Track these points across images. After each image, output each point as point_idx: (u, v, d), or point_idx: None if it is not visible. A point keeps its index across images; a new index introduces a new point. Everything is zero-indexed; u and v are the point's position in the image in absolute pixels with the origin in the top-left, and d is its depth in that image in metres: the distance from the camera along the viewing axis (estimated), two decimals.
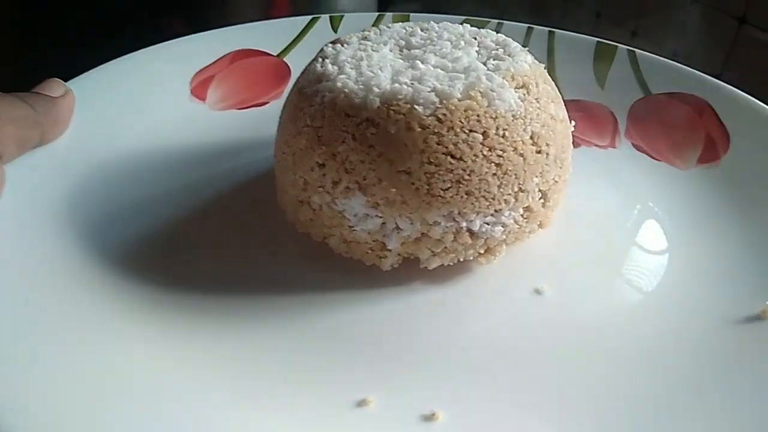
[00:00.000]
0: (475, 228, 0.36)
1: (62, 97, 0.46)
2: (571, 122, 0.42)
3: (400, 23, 0.43)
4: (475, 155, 0.34)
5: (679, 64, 0.57)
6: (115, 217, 0.41)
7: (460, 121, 0.34)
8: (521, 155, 0.35)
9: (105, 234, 0.40)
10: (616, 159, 0.50)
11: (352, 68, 0.37)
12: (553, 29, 0.64)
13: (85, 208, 0.41)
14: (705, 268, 0.40)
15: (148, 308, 0.36)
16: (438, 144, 0.34)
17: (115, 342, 0.33)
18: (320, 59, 0.39)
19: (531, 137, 0.36)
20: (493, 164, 0.34)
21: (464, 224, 0.35)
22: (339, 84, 0.36)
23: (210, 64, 0.59)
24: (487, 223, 0.36)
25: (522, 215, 0.37)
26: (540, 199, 0.37)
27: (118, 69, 0.54)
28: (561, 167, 0.38)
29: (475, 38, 0.41)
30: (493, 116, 0.34)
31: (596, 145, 0.52)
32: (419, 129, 0.34)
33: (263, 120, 0.48)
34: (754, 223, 0.43)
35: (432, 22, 0.43)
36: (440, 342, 0.35)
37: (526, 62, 0.38)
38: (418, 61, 0.37)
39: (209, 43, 0.60)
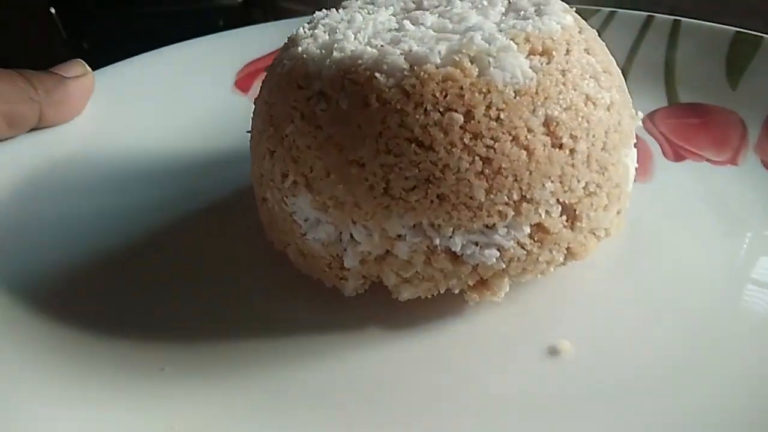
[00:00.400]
0: (456, 248, 0.25)
1: (75, 78, 0.43)
2: (637, 113, 0.30)
3: None
4: (451, 143, 0.24)
5: None
6: (122, 213, 0.38)
7: (434, 95, 0.24)
8: (525, 148, 0.24)
9: (100, 233, 0.37)
10: (731, 178, 0.37)
11: (325, 31, 0.29)
12: (680, 18, 0.50)
13: (89, 206, 0.39)
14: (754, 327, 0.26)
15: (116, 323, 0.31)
16: (400, 126, 0.24)
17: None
18: (305, 24, 0.31)
19: (545, 124, 0.25)
20: (477, 158, 0.24)
21: (439, 241, 0.25)
22: (300, 49, 0.28)
23: (261, 57, 0.54)
24: (475, 243, 0.25)
25: (531, 236, 0.26)
26: (561, 215, 0.26)
27: (162, 57, 0.52)
28: (603, 173, 0.26)
29: None
30: (484, 90, 0.24)
31: (709, 160, 0.38)
32: (377, 104, 0.25)
33: None
34: None
35: None
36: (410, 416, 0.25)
37: (559, 22, 0.27)
38: (407, 21, 0.28)
39: (263, 35, 0.56)
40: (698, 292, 0.29)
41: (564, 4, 0.31)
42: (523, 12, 0.29)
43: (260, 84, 0.49)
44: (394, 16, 0.30)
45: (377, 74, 0.25)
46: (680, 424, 0.24)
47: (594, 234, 0.28)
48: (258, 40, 0.55)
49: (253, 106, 0.33)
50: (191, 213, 0.38)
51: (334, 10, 0.32)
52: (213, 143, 0.45)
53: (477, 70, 0.25)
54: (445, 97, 0.24)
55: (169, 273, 0.33)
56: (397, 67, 0.25)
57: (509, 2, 0.30)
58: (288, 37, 0.32)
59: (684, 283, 0.29)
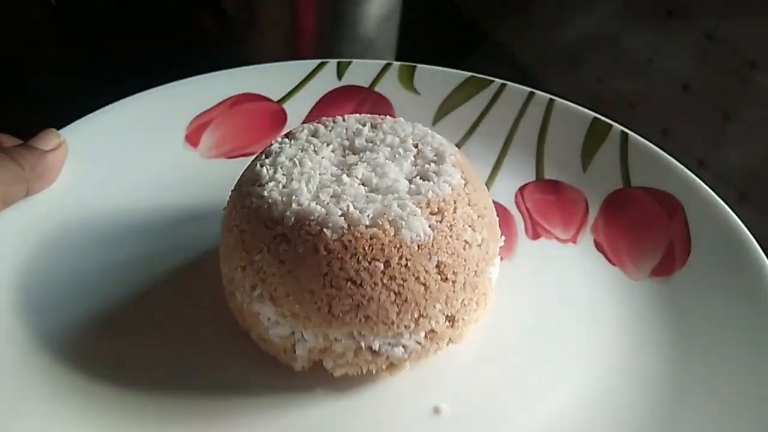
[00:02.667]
0: (376, 347, 0.38)
1: (53, 150, 0.50)
2: (501, 237, 0.43)
3: (356, 116, 0.45)
4: (374, 283, 0.36)
5: (667, 156, 0.55)
6: (71, 287, 0.44)
7: (364, 249, 0.36)
8: (423, 284, 0.37)
9: (50, 309, 0.43)
10: (571, 257, 0.50)
11: (283, 174, 0.39)
12: (554, 97, 0.63)
13: (39, 276, 0.44)
14: (614, 398, 0.40)
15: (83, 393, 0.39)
16: (340, 269, 0.36)
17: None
18: (263, 157, 0.41)
19: (437, 266, 0.37)
20: (392, 292, 0.36)
21: (364, 343, 0.37)
22: (265, 192, 0.38)
23: (209, 108, 0.61)
24: (388, 344, 0.38)
25: (425, 337, 0.38)
26: (446, 322, 0.38)
27: (114, 114, 0.56)
28: (474, 289, 0.39)
29: (417, 145, 0.42)
30: (398, 246, 0.36)
31: (557, 239, 0.52)
32: (324, 252, 0.36)
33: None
34: (681, 356, 0.42)
35: (387, 118, 0.45)
36: None
37: (450, 183, 0.39)
38: (345, 176, 0.39)
39: (212, 85, 0.63)
40: (542, 359, 0.42)
41: (456, 154, 0.42)
42: (426, 165, 0.40)
43: (207, 139, 0.58)
44: (333, 153, 0.41)
45: (325, 230, 0.36)
46: None
47: (467, 325, 0.41)
48: (202, 94, 0.61)
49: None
50: (157, 275, 0.45)
51: (287, 141, 0.43)
52: (172, 200, 0.53)
53: (393, 230, 0.36)
54: (372, 250, 0.36)
55: (135, 335, 0.42)
56: (338, 226, 0.36)
57: (417, 150, 0.41)
58: (251, 167, 0.42)
59: (532, 355, 0.42)
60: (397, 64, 0.67)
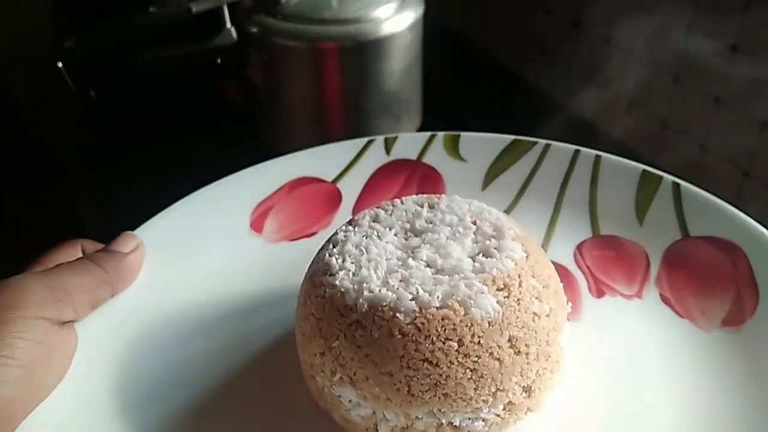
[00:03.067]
0: (456, 423, 0.39)
1: (132, 252, 0.53)
2: (568, 304, 0.44)
3: (413, 198, 0.47)
4: (450, 362, 0.37)
5: (724, 203, 0.55)
6: (160, 384, 0.47)
7: (437, 330, 0.37)
8: (498, 359, 0.38)
9: (144, 405, 0.45)
10: (638, 313, 0.50)
11: (352, 262, 0.41)
12: (601, 153, 0.64)
13: (131, 376, 0.47)
14: None
15: None
16: (416, 351, 0.37)
17: None
18: (331, 246, 0.44)
19: (509, 340, 0.38)
20: (468, 369, 0.37)
21: (444, 420, 0.38)
22: (337, 282, 0.40)
23: (270, 195, 0.65)
24: (468, 419, 0.39)
25: (503, 409, 0.39)
26: (522, 393, 0.39)
27: (183, 210, 0.60)
28: (547, 359, 0.40)
29: (475, 222, 0.43)
30: (469, 324, 0.37)
31: (621, 294, 0.52)
32: (399, 336, 0.37)
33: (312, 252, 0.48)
34: (762, 407, 0.42)
35: (443, 197, 0.47)
36: None
37: (512, 258, 0.40)
38: (410, 259, 0.41)
39: (271, 172, 0.66)
40: (625, 416, 0.42)
41: (514, 228, 0.44)
42: (487, 242, 0.42)
43: (270, 224, 0.61)
44: (396, 236, 0.43)
45: (398, 314, 0.38)
46: None
47: (543, 393, 0.41)
48: (262, 181, 0.65)
49: (297, 305, 0.45)
50: (238, 364, 0.47)
51: (351, 229, 0.45)
52: (244, 287, 0.56)
53: (463, 310, 0.38)
54: (444, 330, 0.37)
55: (224, 424, 0.43)
56: (410, 309, 0.38)
57: (476, 227, 0.43)
58: (320, 257, 0.44)
59: (607, 416, 0.43)
60: (441, 134, 0.70)
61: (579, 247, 0.57)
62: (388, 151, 0.69)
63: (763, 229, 0.52)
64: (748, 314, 0.48)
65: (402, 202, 0.46)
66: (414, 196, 0.47)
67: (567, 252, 0.57)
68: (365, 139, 0.70)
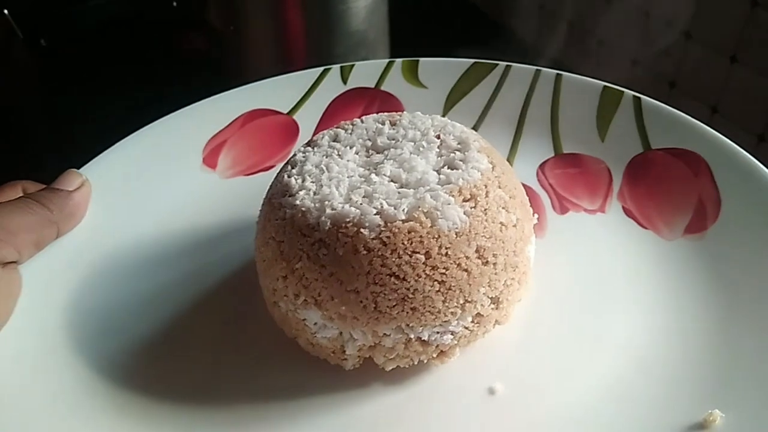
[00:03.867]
0: (425, 337, 0.38)
1: (77, 190, 0.50)
2: (534, 215, 0.43)
3: (374, 116, 0.45)
4: (418, 275, 0.36)
5: (684, 115, 0.55)
6: (118, 317, 0.45)
7: (404, 243, 0.36)
8: (466, 270, 0.37)
9: (102, 338, 0.44)
10: (602, 227, 0.50)
11: (312, 181, 0.39)
12: (562, 72, 0.63)
13: (87, 311, 0.45)
14: (665, 360, 0.40)
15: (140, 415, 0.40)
16: (382, 266, 0.36)
17: None
18: (289, 167, 0.42)
19: (477, 251, 0.37)
20: (436, 282, 0.36)
21: (413, 335, 0.38)
22: (297, 201, 0.39)
23: (222, 129, 0.62)
24: (437, 332, 0.38)
25: (472, 321, 0.38)
26: (491, 304, 0.39)
27: (130, 146, 0.57)
28: (515, 269, 0.39)
29: (439, 136, 0.42)
30: (436, 236, 0.36)
31: (585, 210, 0.52)
32: (365, 252, 0.36)
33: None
34: (727, 311, 0.42)
35: (405, 114, 0.45)
36: None
37: (478, 169, 0.39)
38: (373, 175, 0.39)
39: (222, 106, 0.63)
40: (586, 332, 0.42)
41: (479, 140, 0.42)
42: (452, 155, 0.40)
43: (224, 159, 0.59)
44: (357, 155, 0.41)
45: (362, 230, 0.36)
46: None
47: (512, 305, 0.41)
48: (213, 116, 0.62)
49: (255, 224, 0.44)
50: (196, 297, 0.46)
51: (310, 150, 0.43)
52: (198, 222, 0.54)
53: (430, 221, 0.37)
54: (411, 243, 0.36)
55: (184, 356, 0.42)
56: (375, 224, 0.36)
57: (440, 141, 0.42)
58: (279, 179, 0.42)
59: (577, 327, 0.42)
60: (399, 60, 0.68)
61: (542, 167, 0.57)
62: (344, 80, 0.67)
63: (723, 137, 0.52)
64: (711, 221, 0.48)
65: (362, 121, 0.45)
66: (374, 115, 0.45)
67: (530, 172, 0.56)
68: (320, 69, 0.68)
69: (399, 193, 0.38)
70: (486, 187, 0.39)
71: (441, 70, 0.66)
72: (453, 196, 0.37)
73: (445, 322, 0.37)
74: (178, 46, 0.99)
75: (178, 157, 0.59)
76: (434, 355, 0.39)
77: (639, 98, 0.58)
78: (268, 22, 0.88)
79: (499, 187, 0.39)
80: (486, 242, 0.37)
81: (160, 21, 0.94)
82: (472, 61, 0.66)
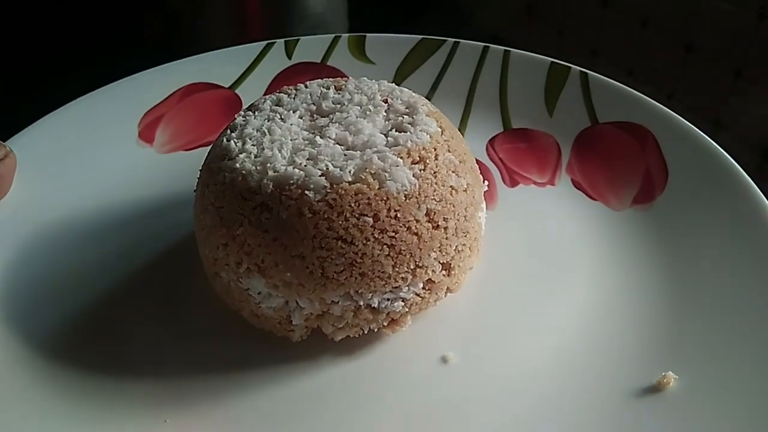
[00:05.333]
0: (375, 304, 0.36)
1: (1, 161, 0.47)
2: (484, 182, 0.42)
3: (318, 81, 0.43)
4: (366, 239, 0.35)
5: (630, 89, 0.55)
6: (49, 292, 0.42)
7: (350, 206, 0.34)
8: (416, 234, 0.35)
9: (36, 312, 0.41)
10: (551, 200, 0.50)
11: (253, 144, 0.37)
12: (510, 49, 0.62)
13: (18, 282, 0.43)
14: (617, 327, 0.40)
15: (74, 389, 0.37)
16: (329, 229, 0.34)
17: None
18: (228, 131, 0.40)
19: (427, 214, 0.36)
20: (385, 246, 0.35)
21: (362, 302, 0.36)
22: (237, 165, 0.36)
23: (159, 103, 0.59)
24: (387, 299, 0.36)
25: (423, 288, 0.37)
26: (442, 270, 0.37)
27: (61, 119, 0.54)
28: (465, 235, 0.38)
29: (386, 100, 0.40)
30: (384, 198, 0.35)
31: (535, 183, 0.51)
32: (309, 215, 0.34)
33: None
34: (675, 277, 0.42)
35: (351, 80, 0.43)
36: (345, 417, 0.36)
37: (427, 132, 0.38)
38: (318, 137, 0.37)
39: (159, 79, 0.61)
40: (537, 299, 0.42)
41: (427, 104, 0.41)
42: (400, 118, 0.39)
43: (161, 134, 0.56)
44: (302, 119, 0.40)
45: (306, 192, 0.35)
46: (556, 418, 0.36)
47: (463, 272, 0.40)
48: (149, 89, 0.59)
49: (194, 190, 0.41)
50: (131, 272, 0.44)
51: (251, 114, 0.41)
52: (132, 198, 0.50)
53: (378, 183, 0.35)
54: (358, 206, 0.35)
55: (123, 332, 0.40)
56: (320, 186, 0.35)
57: (388, 105, 0.40)
58: (218, 143, 0.40)
59: (528, 296, 0.42)
60: (345, 36, 0.66)
61: (491, 142, 0.56)
62: (289, 54, 0.64)
63: (669, 111, 0.52)
64: (658, 191, 0.48)
65: (306, 86, 0.43)
66: (319, 80, 0.44)
67: (479, 147, 0.55)
68: (264, 43, 0.66)
69: (345, 155, 0.36)
70: (435, 150, 0.37)
71: (388, 46, 0.65)
72: (401, 157, 0.36)
73: (395, 288, 0.36)
74: (132, 26, 0.94)
75: (111, 130, 0.56)
76: (385, 324, 0.38)
77: (586, 73, 0.58)
78: (225, 3, 0.86)
79: (449, 151, 0.38)
80: (436, 205, 0.36)
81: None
82: (420, 37, 0.65)
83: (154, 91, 0.60)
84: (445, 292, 0.39)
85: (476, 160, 0.49)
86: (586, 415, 0.35)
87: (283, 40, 0.66)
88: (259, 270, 0.36)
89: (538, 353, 0.38)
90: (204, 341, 0.40)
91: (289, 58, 0.64)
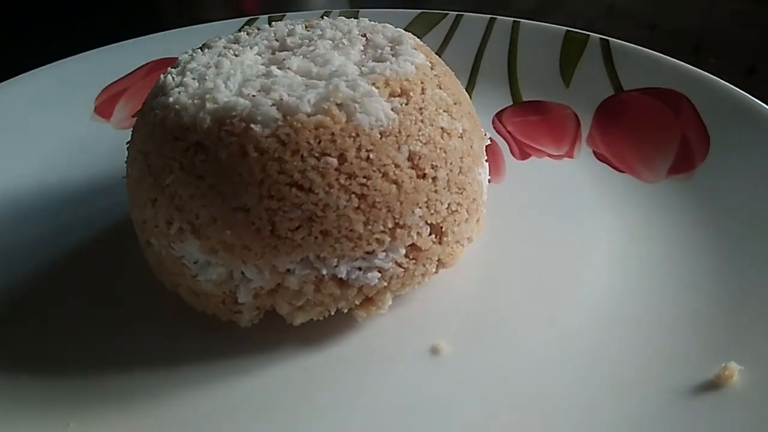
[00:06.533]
0: (342, 275, 0.28)
1: None
2: (485, 135, 0.34)
3: (287, 21, 0.36)
4: (328, 185, 0.27)
5: (659, 54, 0.48)
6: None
7: (308, 143, 0.26)
8: (394, 182, 0.27)
9: None
10: (570, 172, 0.42)
11: (194, 78, 0.30)
12: (519, 19, 0.55)
13: None
14: (657, 318, 0.31)
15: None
16: (280, 173, 0.26)
17: None
18: (169, 68, 0.32)
19: (409, 158, 0.28)
20: (354, 195, 0.27)
21: (326, 271, 0.28)
22: (171, 99, 0.29)
23: (121, 78, 0.53)
24: (358, 268, 0.28)
25: (406, 256, 0.29)
26: (430, 234, 0.29)
27: (13, 89, 0.49)
28: (461, 192, 0.30)
29: (365, 35, 0.33)
30: (353, 134, 0.27)
31: (550, 155, 0.43)
32: (255, 154, 0.26)
33: None
34: (726, 253, 0.34)
35: (325, 18, 0.36)
36: (306, 426, 0.27)
37: (413, 62, 0.30)
38: (275, 68, 0.30)
39: (125, 54, 0.55)
40: (552, 286, 0.33)
41: (416, 39, 0.34)
42: (380, 51, 0.31)
43: (121, 110, 0.50)
44: (260, 56, 0.32)
45: (252, 125, 0.27)
46: (550, 413, 0.28)
47: (459, 243, 0.31)
48: (113, 62, 0.54)
49: (126, 141, 0.34)
50: (75, 249, 0.38)
51: (200, 51, 0.34)
52: (82, 173, 0.44)
53: (345, 116, 0.27)
54: (319, 143, 0.27)
55: (63, 313, 0.33)
56: (271, 118, 0.27)
57: (367, 40, 0.33)
58: (156, 83, 0.32)
59: (540, 279, 0.34)
60: (336, 11, 0.60)
61: (498, 115, 0.49)
62: None
63: (704, 72, 0.44)
64: (699, 159, 0.40)
65: (271, 25, 0.35)
66: (287, 21, 0.36)
67: (485, 121, 0.48)
68: (245, 19, 0.59)
69: (306, 84, 0.28)
70: (422, 83, 0.30)
71: (382, 20, 0.57)
72: (377, 87, 0.28)
73: (368, 253, 0.28)
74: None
75: (64, 104, 0.51)
76: (357, 303, 0.29)
77: (607, 41, 0.51)
78: None
79: (440, 87, 0.30)
80: (422, 148, 0.28)
81: None
82: (419, 11, 0.58)
83: (116, 66, 0.54)
84: (437, 267, 0.30)
85: None
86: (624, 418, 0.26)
87: (267, 15, 0.60)
88: (192, 230, 0.28)
89: (547, 346, 0.30)
90: (136, 329, 0.32)
91: None
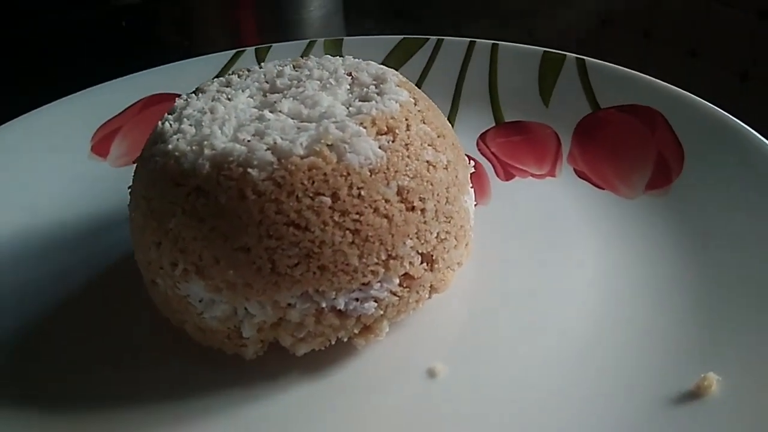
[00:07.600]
0: (341, 306, 0.30)
1: None
2: (470, 162, 0.36)
3: (276, 61, 0.38)
4: (323, 223, 0.28)
5: (634, 72, 0.50)
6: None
7: (303, 183, 0.28)
8: (385, 216, 0.29)
9: None
10: (553, 191, 0.44)
11: (191, 125, 0.31)
12: (498, 42, 0.57)
13: None
14: (640, 329, 0.33)
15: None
16: (278, 213, 0.28)
17: None
18: (167, 115, 0.34)
19: (398, 193, 0.30)
20: (348, 231, 0.29)
21: (325, 304, 0.29)
22: (170, 146, 0.30)
23: (116, 116, 0.54)
24: (356, 299, 0.30)
25: (400, 285, 0.30)
26: (422, 262, 0.31)
27: (14, 131, 0.51)
28: (449, 220, 0.32)
29: (351, 74, 0.35)
30: (344, 173, 0.29)
31: (533, 175, 0.45)
32: (253, 197, 0.28)
33: None
34: (704, 266, 0.35)
35: (312, 57, 0.38)
36: None
37: (397, 100, 0.32)
38: (267, 112, 0.31)
39: (118, 91, 0.56)
40: (543, 304, 0.35)
41: (399, 76, 0.36)
42: (365, 89, 0.33)
43: (117, 147, 0.51)
44: (252, 98, 0.34)
45: (249, 170, 0.28)
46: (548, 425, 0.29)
47: (449, 269, 0.33)
48: (107, 101, 0.55)
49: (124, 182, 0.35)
50: (81, 286, 0.39)
51: (194, 96, 0.35)
52: (81, 213, 0.45)
53: (336, 156, 0.29)
54: (313, 183, 0.28)
55: (70, 351, 0.35)
56: (266, 162, 0.28)
57: (352, 78, 0.34)
58: (154, 130, 0.34)
59: (527, 297, 0.35)
60: (321, 40, 0.62)
61: (482, 137, 0.50)
62: (260, 62, 0.59)
63: (677, 89, 0.46)
64: (675, 174, 0.42)
65: (260, 66, 0.37)
66: (276, 61, 0.38)
67: (469, 144, 0.50)
68: (232, 51, 0.61)
69: (298, 127, 0.30)
70: (407, 120, 0.31)
71: (367, 48, 0.60)
72: (365, 127, 0.30)
73: (364, 284, 0.29)
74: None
75: (62, 145, 0.52)
76: (356, 331, 0.31)
77: (582, 60, 0.53)
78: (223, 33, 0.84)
79: (424, 122, 0.32)
80: (409, 182, 0.30)
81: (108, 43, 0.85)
82: (401, 37, 0.61)
83: (111, 104, 0.55)
84: (429, 292, 0.32)
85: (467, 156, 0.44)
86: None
87: (253, 47, 0.61)
88: (197, 270, 0.29)
89: (542, 364, 0.32)
90: (144, 364, 0.33)
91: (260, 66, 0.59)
